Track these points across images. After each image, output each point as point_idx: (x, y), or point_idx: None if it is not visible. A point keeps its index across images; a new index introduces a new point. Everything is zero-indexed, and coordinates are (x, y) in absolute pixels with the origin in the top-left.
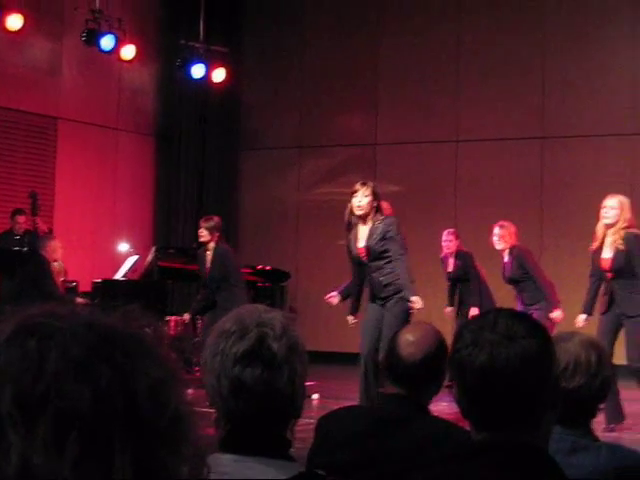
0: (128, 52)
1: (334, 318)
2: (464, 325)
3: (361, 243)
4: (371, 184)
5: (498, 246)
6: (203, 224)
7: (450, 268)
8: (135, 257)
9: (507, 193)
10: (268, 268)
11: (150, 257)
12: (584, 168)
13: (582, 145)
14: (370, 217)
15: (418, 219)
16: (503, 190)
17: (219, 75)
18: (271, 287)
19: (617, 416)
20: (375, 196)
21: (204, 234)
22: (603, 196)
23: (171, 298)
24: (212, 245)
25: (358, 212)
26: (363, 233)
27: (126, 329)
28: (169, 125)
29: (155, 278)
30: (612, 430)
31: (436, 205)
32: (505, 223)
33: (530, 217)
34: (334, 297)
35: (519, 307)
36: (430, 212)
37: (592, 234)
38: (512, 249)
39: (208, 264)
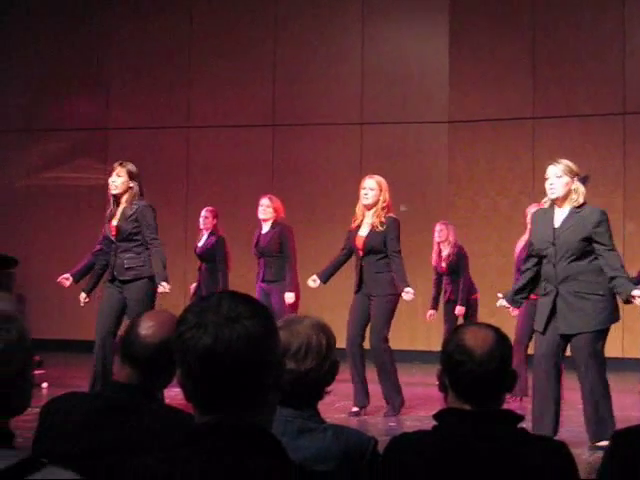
0: None
1: (67, 305)
2: (188, 308)
3: (115, 222)
4: (128, 165)
5: (263, 215)
6: None
7: (200, 243)
8: None
9: (238, 180)
10: None
11: None
12: (315, 156)
13: (312, 133)
14: (125, 197)
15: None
16: (235, 177)
17: None
18: None
19: (363, 399)
20: (131, 176)
21: None
22: (333, 183)
23: None
24: None
25: (112, 191)
26: (119, 213)
27: None
28: None
29: None
30: (357, 414)
31: (168, 190)
32: (273, 196)
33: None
34: (66, 279)
35: (258, 283)
36: (163, 197)
37: (323, 220)
38: (275, 223)
39: None
